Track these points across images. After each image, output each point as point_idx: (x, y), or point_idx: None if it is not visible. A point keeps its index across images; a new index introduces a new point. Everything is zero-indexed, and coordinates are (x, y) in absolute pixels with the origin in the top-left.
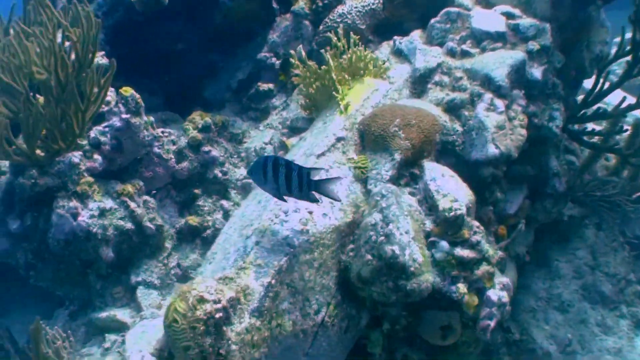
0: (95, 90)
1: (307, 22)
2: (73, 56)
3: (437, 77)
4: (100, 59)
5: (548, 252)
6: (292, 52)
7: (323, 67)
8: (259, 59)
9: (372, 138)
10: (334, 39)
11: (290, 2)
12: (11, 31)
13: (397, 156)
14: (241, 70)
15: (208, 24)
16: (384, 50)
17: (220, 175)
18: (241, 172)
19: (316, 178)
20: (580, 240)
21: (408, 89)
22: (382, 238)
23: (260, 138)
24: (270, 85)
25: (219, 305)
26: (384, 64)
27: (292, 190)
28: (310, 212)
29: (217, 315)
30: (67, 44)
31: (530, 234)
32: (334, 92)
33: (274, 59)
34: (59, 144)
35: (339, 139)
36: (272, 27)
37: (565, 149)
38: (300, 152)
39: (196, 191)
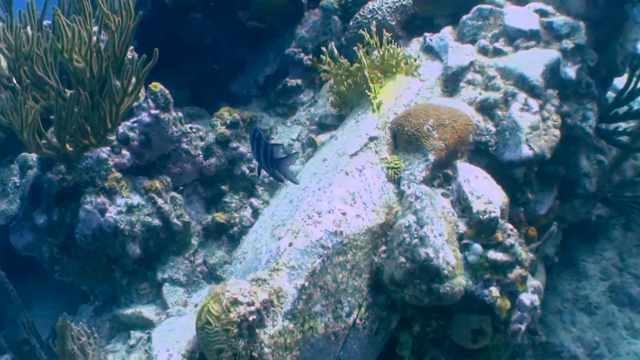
0: (133, 82)
1: (336, 18)
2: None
3: (469, 76)
4: (129, 53)
5: (574, 252)
6: (323, 48)
7: (355, 64)
8: (286, 54)
9: (405, 138)
10: (367, 36)
11: None
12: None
13: (431, 157)
14: (269, 66)
15: (237, 18)
16: (414, 46)
17: (247, 171)
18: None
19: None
20: (607, 240)
21: (440, 87)
22: (416, 240)
23: (287, 134)
24: (298, 81)
25: (252, 308)
26: (415, 60)
27: (267, 166)
28: (344, 214)
29: (251, 318)
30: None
31: (559, 235)
32: (366, 91)
33: (302, 54)
34: (90, 139)
35: (371, 139)
36: (301, 22)
37: (594, 147)
38: (333, 151)
39: (223, 187)
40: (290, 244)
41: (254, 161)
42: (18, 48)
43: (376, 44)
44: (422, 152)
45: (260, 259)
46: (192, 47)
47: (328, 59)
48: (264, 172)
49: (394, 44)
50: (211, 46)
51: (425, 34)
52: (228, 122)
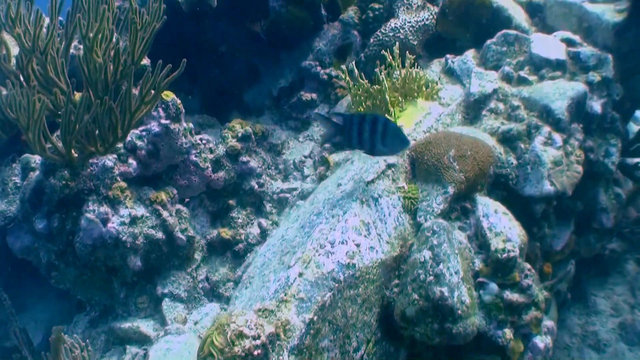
0: (151, 92)
1: (355, 32)
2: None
3: (492, 104)
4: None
5: (585, 286)
6: (342, 67)
7: (376, 86)
8: (303, 67)
9: (424, 167)
10: (389, 57)
11: (338, 10)
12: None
13: (450, 189)
14: (284, 77)
15: (254, 27)
16: (435, 67)
17: (256, 187)
18: (278, 184)
19: None
20: (619, 275)
21: (461, 113)
22: (431, 278)
23: (300, 150)
24: (313, 95)
25: (257, 342)
26: (436, 84)
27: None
28: (358, 245)
29: (256, 353)
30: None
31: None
32: (386, 115)
33: (318, 68)
34: (97, 147)
35: (389, 166)
36: (319, 35)
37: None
38: (348, 176)
39: (230, 202)
40: (301, 275)
41: (264, 176)
42: (35, 39)
43: (398, 66)
44: (442, 183)
45: (268, 287)
46: (206, 54)
47: (347, 78)
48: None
49: (416, 67)
50: (226, 54)
51: (447, 55)
52: (239, 135)
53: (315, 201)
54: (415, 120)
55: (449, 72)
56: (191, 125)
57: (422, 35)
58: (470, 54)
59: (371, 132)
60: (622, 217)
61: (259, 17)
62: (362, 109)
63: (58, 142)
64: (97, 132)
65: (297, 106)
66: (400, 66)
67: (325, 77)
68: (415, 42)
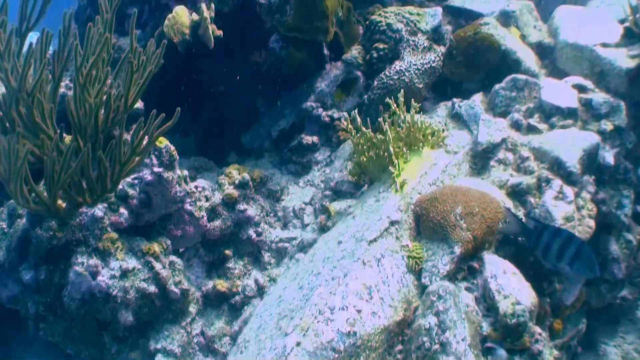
0: (144, 141)
1: (359, 73)
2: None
3: (500, 154)
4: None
5: (595, 334)
6: (344, 114)
7: (379, 135)
8: (304, 108)
9: (429, 225)
10: (393, 105)
11: (341, 49)
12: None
13: (457, 249)
14: (284, 119)
15: (254, 68)
16: (441, 112)
17: (254, 236)
18: (277, 233)
19: None
20: (630, 323)
21: (468, 163)
22: (437, 347)
23: (300, 197)
24: (314, 139)
25: None
26: (442, 132)
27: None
28: (359, 311)
29: None
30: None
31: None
32: (390, 167)
33: (320, 110)
34: (85, 198)
35: (392, 223)
36: (321, 75)
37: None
38: (350, 233)
39: (227, 252)
40: (298, 344)
41: (262, 224)
42: (23, 78)
43: (402, 113)
44: (448, 243)
45: (264, 356)
46: (204, 93)
47: (349, 126)
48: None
49: (421, 113)
50: (224, 94)
51: (454, 99)
52: (237, 182)
53: (315, 258)
54: (420, 172)
55: (456, 117)
56: (186, 172)
57: (428, 78)
58: (477, 98)
59: (561, 249)
60: (633, 264)
61: (259, 58)
62: (364, 158)
63: (44, 193)
64: (84, 183)
65: (297, 149)
66: (405, 113)
67: (327, 119)
68: (420, 86)
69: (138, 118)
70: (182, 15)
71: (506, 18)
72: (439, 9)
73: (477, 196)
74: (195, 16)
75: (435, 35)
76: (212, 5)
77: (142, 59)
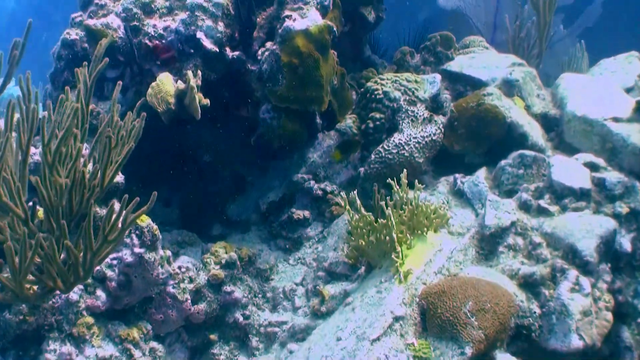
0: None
1: None
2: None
3: (510, 240)
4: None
5: None
6: (342, 194)
7: (381, 220)
8: (295, 180)
9: (437, 322)
10: (395, 187)
11: (334, 118)
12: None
13: (468, 350)
14: (273, 191)
15: (243, 137)
16: (442, 188)
17: (241, 319)
18: (266, 316)
19: None
20: None
21: (474, 248)
22: None
23: (290, 276)
24: (306, 213)
25: None
26: (447, 214)
27: None
28: None
29: None
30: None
31: None
32: (392, 255)
33: (312, 182)
34: (56, 284)
35: (397, 319)
36: (313, 145)
37: None
38: (349, 328)
39: (212, 337)
40: None
41: (250, 306)
42: None
43: (405, 193)
44: (458, 342)
45: None
46: (188, 161)
47: (347, 207)
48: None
49: (422, 193)
50: (209, 163)
51: (456, 175)
52: (223, 261)
53: (311, 355)
54: (425, 259)
55: (458, 194)
56: (169, 253)
57: (429, 152)
58: (482, 175)
59: None
60: None
61: (248, 128)
62: (362, 242)
63: (9, 277)
64: (55, 270)
65: (287, 224)
66: (407, 194)
67: (319, 192)
68: (421, 160)
69: (117, 192)
70: (166, 83)
71: (509, 87)
72: (438, 76)
73: (488, 289)
74: (181, 84)
75: (434, 104)
76: (199, 73)
77: (122, 134)
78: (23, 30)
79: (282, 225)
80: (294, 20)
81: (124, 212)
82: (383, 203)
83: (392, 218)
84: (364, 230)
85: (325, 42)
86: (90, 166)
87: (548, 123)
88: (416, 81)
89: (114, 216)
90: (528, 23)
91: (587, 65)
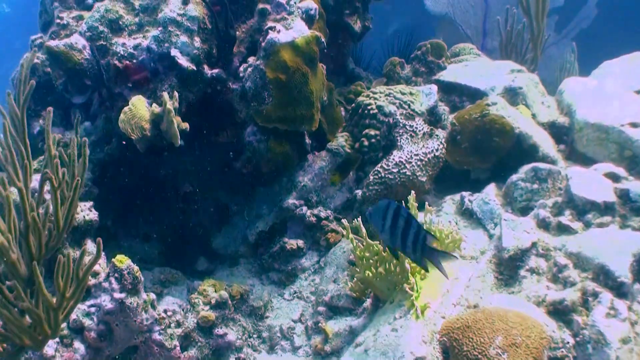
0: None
1: None
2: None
3: (532, 262)
4: (87, 212)
5: None
6: (344, 222)
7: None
8: (285, 207)
9: None
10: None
11: (324, 137)
12: None
13: None
14: (262, 219)
15: (225, 163)
16: (448, 207)
17: None
18: (262, 358)
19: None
20: None
21: (493, 273)
22: None
23: (287, 313)
24: (300, 243)
25: None
26: (460, 236)
27: (406, 247)
28: None
29: None
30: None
31: None
32: (406, 288)
33: (304, 209)
34: (25, 342)
35: None
36: (303, 168)
37: None
38: None
39: None
40: None
41: (245, 349)
42: None
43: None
44: None
45: None
46: (167, 191)
47: (350, 236)
48: None
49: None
50: (190, 192)
51: (463, 193)
52: (213, 301)
53: None
54: (441, 290)
55: (467, 214)
56: (153, 296)
57: (432, 170)
58: (491, 192)
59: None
60: None
61: (232, 152)
62: (369, 274)
63: None
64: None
65: (279, 255)
66: (416, 216)
67: (313, 219)
68: (424, 179)
69: (90, 230)
70: (140, 107)
71: (513, 95)
72: (434, 87)
73: (517, 321)
74: (156, 108)
75: (432, 117)
76: (176, 94)
77: (62, 173)
78: None
79: (273, 257)
80: (278, 32)
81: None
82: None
83: None
84: (371, 260)
85: (313, 54)
86: (41, 211)
87: (557, 132)
88: (411, 93)
89: (61, 278)
90: (519, 27)
91: (578, 70)
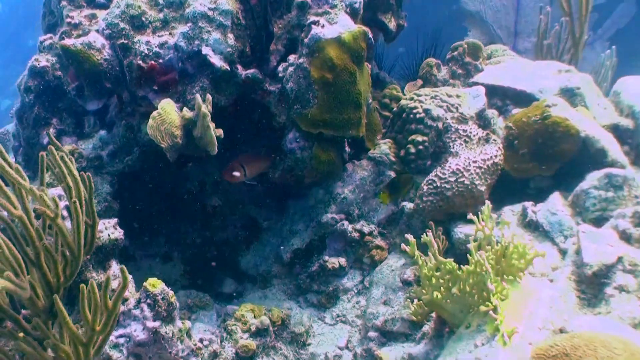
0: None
1: (391, 174)
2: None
3: (619, 279)
4: (112, 230)
5: None
6: (408, 236)
7: (465, 266)
8: (324, 222)
9: None
10: (479, 224)
11: (362, 144)
12: None
13: None
14: (297, 236)
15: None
16: (508, 217)
17: None
18: None
19: None
20: None
21: (574, 292)
22: None
23: (331, 338)
24: (341, 261)
25: None
26: (537, 251)
27: None
28: None
29: None
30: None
31: None
32: (489, 311)
33: (345, 223)
34: None
35: None
36: (342, 178)
37: None
38: None
39: None
40: None
41: None
42: None
43: (491, 231)
44: None
45: None
46: (190, 205)
47: (416, 252)
48: None
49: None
50: (216, 206)
51: (525, 203)
52: (253, 328)
53: None
54: (524, 312)
55: (530, 226)
56: (188, 324)
57: (491, 178)
58: (558, 201)
59: None
60: None
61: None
62: (438, 296)
63: None
64: None
65: (319, 275)
66: (492, 228)
67: (355, 235)
68: (483, 188)
69: (115, 251)
70: (170, 111)
71: (570, 96)
72: (482, 89)
73: (620, 347)
74: (187, 112)
75: (481, 121)
76: (209, 97)
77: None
78: None
79: (312, 277)
80: (322, 26)
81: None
82: (472, 245)
83: (487, 264)
84: (442, 280)
85: (361, 51)
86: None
87: (620, 135)
88: (458, 95)
89: (88, 309)
90: (556, 26)
91: (614, 73)
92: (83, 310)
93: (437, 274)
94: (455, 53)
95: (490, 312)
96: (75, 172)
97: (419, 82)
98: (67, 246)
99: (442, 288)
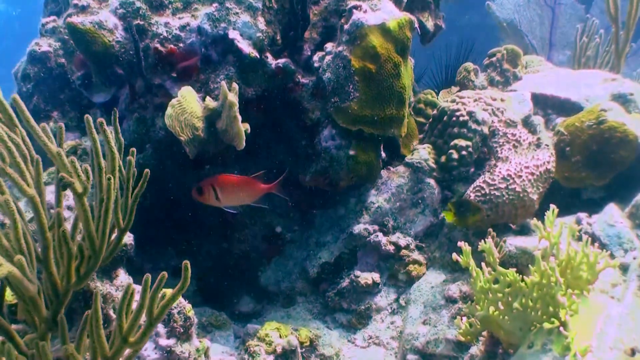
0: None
1: (431, 182)
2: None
3: None
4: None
5: None
6: (461, 244)
7: (530, 278)
8: (356, 233)
9: None
10: (542, 232)
11: (397, 149)
12: None
13: None
14: (326, 249)
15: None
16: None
17: None
18: None
19: None
20: None
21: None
22: None
23: None
24: (375, 276)
25: None
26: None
27: None
28: None
29: None
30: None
31: None
32: (554, 328)
33: (379, 235)
34: None
35: None
36: (376, 185)
37: None
38: None
39: None
40: None
41: None
42: None
43: (555, 240)
44: None
45: None
46: (205, 214)
47: (471, 262)
48: None
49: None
50: (235, 214)
51: (580, 215)
52: (279, 349)
53: None
54: (593, 330)
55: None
56: (207, 343)
57: (543, 186)
58: (615, 213)
59: None
60: None
61: (301, 165)
62: (495, 311)
63: None
64: None
65: (349, 293)
66: (557, 237)
67: (390, 248)
68: (535, 197)
69: (124, 259)
70: (190, 100)
71: (623, 102)
72: (527, 94)
73: None
74: (210, 102)
75: (527, 127)
76: (235, 86)
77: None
78: None
79: (342, 294)
80: (365, 11)
81: (149, 293)
82: (537, 253)
83: (556, 274)
84: (500, 293)
85: (406, 41)
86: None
87: None
88: (502, 100)
89: (125, 313)
90: (596, 38)
91: None
92: (119, 315)
93: (495, 286)
94: (494, 59)
95: (561, 328)
96: (114, 145)
97: (454, 88)
98: (87, 236)
99: (500, 303)
